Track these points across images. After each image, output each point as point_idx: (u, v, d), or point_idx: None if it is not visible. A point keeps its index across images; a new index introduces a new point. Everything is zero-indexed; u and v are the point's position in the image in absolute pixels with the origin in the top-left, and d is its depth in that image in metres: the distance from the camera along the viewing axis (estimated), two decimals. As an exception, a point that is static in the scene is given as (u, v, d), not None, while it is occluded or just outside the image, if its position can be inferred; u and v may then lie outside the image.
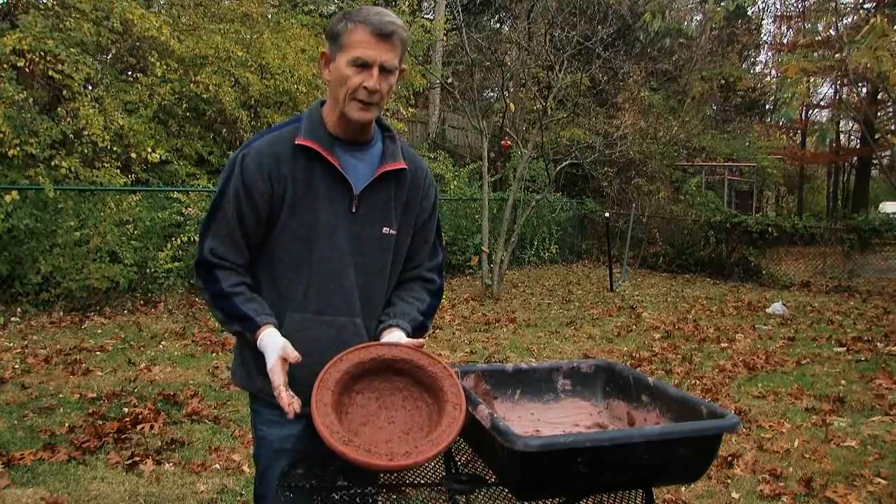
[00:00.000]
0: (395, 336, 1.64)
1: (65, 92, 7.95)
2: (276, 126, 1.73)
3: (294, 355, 1.53)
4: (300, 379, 1.54)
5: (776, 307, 8.74)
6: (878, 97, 18.34)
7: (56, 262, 7.14)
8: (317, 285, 1.66)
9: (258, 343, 1.59)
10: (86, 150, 7.71)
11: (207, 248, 1.65)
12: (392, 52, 1.60)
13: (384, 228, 1.70)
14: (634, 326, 7.59)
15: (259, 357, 1.68)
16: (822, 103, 25.05)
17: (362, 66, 1.57)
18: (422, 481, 1.71)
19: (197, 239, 1.95)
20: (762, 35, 24.70)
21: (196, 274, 1.68)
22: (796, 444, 4.04)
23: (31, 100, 7.42)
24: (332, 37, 1.62)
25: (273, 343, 1.56)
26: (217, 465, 3.56)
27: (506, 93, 10.64)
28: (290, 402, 1.50)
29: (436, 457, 1.42)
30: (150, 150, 8.04)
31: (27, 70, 7.59)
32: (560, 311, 8.53)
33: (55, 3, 7.93)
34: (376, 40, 1.57)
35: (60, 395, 4.56)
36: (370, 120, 1.65)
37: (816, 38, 15.15)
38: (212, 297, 1.64)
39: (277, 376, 1.52)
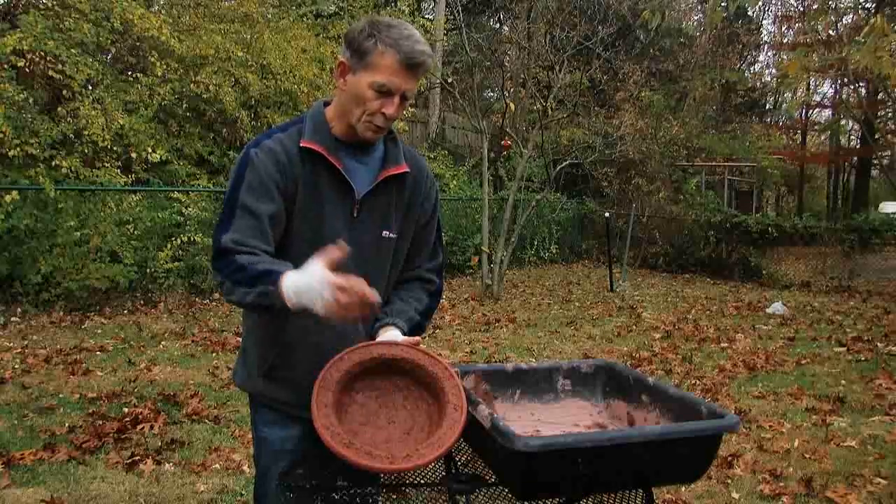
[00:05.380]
0: (390, 335, 1.62)
1: (65, 92, 7.94)
2: (277, 128, 1.68)
3: (338, 252, 1.40)
4: (303, 381, 1.53)
5: (776, 307, 8.74)
6: (879, 97, 18.33)
7: (56, 262, 7.14)
8: None
9: (283, 285, 1.40)
10: (86, 150, 7.70)
11: (227, 239, 1.52)
12: (416, 80, 1.58)
13: (384, 232, 1.69)
14: (634, 326, 7.58)
15: (261, 357, 1.68)
16: (824, 102, 25.05)
17: (385, 93, 1.55)
18: (422, 481, 1.71)
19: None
20: (762, 35, 24.72)
21: (214, 268, 1.55)
22: (796, 444, 4.04)
23: (31, 100, 7.42)
24: (356, 51, 1.56)
25: (306, 269, 1.41)
26: (217, 465, 3.56)
27: (506, 93, 10.63)
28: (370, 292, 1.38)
29: (436, 460, 1.41)
30: (150, 149, 8.04)
31: (27, 70, 7.58)
32: (560, 311, 8.53)
33: (55, 3, 7.92)
34: (404, 70, 1.54)
35: (60, 395, 4.56)
36: (379, 138, 1.66)
37: (818, 38, 15.14)
38: (230, 278, 1.49)
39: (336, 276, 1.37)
